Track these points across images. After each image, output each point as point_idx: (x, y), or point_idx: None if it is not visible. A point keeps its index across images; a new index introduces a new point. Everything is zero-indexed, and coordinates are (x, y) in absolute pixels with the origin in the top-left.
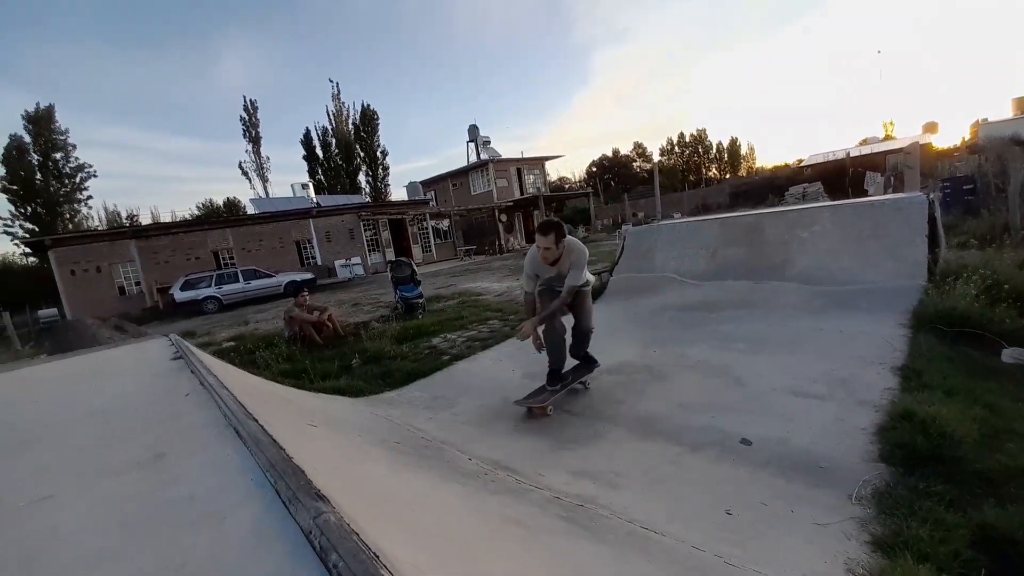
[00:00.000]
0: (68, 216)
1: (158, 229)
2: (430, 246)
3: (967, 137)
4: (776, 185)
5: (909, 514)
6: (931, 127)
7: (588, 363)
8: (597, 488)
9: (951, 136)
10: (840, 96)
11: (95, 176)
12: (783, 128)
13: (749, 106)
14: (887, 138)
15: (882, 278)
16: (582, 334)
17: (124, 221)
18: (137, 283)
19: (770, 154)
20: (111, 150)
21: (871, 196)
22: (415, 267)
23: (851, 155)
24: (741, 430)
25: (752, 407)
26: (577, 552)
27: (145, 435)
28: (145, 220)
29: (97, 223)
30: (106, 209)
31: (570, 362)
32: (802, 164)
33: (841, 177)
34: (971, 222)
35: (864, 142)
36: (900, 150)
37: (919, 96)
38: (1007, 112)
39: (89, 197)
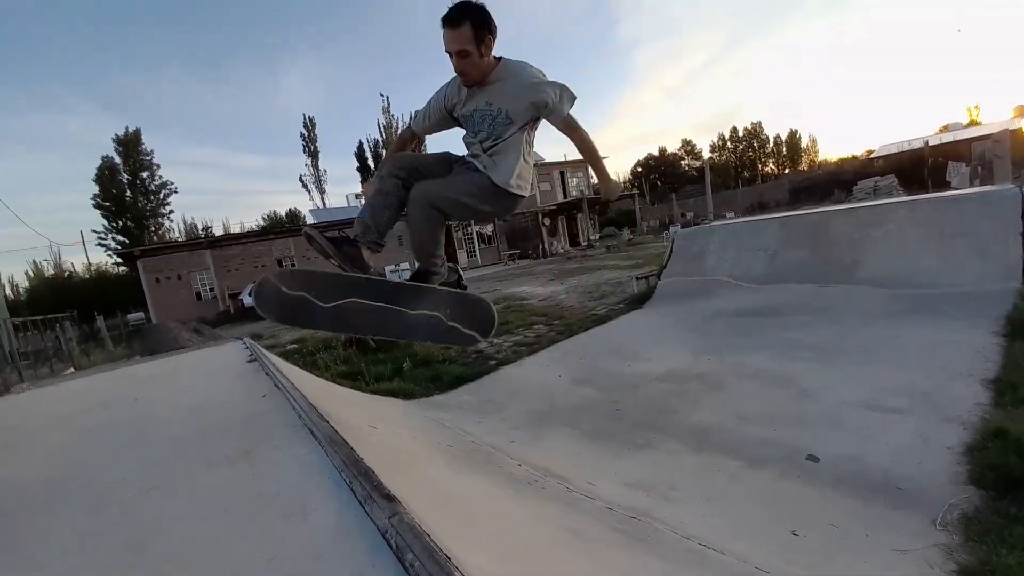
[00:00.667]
0: (153, 229)
1: (229, 240)
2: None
3: None
4: (842, 180)
5: (999, 541)
6: (1023, 111)
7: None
8: (651, 500)
9: None
10: (915, 80)
11: (176, 192)
12: (849, 118)
13: (810, 96)
14: (972, 124)
15: (969, 280)
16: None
17: (200, 233)
18: (211, 289)
19: (835, 146)
20: (189, 167)
21: (954, 189)
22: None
23: (930, 144)
24: (808, 446)
25: (820, 421)
26: (635, 566)
27: (233, 432)
28: (217, 231)
29: (177, 235)
30: (185, 222)
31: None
32: (872, 156)
33: (919, 169)
34: None
35: (945, 129)
36: (988, 137)
37: (1009, 76)
38: None
39: (171, 211)
